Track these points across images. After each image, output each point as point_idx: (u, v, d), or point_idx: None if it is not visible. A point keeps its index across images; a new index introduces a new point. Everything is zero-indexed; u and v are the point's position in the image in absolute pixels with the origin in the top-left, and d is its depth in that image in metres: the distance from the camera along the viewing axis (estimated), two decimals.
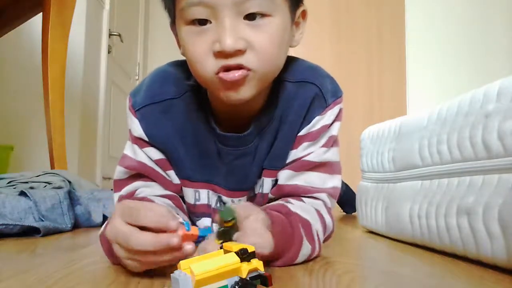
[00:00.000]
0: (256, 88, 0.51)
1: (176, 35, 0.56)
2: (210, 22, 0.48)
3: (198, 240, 0.40)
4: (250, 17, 0.48)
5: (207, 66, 0.49)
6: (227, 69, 0.48)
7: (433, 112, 0.68)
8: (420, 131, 0.70)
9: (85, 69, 2.14)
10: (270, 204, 0.56)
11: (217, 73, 0.49)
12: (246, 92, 0.51)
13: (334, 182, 0.61)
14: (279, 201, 0.57)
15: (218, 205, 0.50)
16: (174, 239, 0.38)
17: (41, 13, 1.41)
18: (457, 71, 2.02)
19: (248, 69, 0.49)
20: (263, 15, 0.48)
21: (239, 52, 0.47)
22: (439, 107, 0.67)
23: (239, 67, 0.48)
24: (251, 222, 0.43)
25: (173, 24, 0.56)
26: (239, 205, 0.47)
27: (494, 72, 1.92)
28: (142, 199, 0.54)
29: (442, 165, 0.63)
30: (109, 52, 2.53)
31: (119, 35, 2.67)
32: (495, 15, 1.99)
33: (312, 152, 0.59)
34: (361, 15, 2.20)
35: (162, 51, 3.57)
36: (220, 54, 0.47)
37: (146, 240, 0.39)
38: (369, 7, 2.20)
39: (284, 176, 0.59)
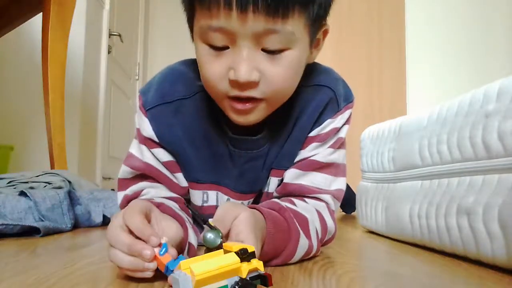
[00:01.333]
0: (265, 113, 0.52)
1: (191, 32, 0.55)
2: (228, 47, 0.47)
3: (167, 269, 0.38)
4: (268, 50, 0.47)
5: (220, 88, 0.49)
6: (238, 98, 0.49)
7: (433, 112, 0.68)
8: (420, 131, 0.70)
9: (85, 69, 2.14)
10: (263, 202, 0.56)
11: (228, 96, 0.50)
12: (254, 118, 0.52)
13: (339, 184, 0.60)
14: (274, 199, 0.57)
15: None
16: (147, 251, 0.38)
17: (41, 13, 1.41)
18: (457, 71, 2.02)
19: (260, 100, 0.49)
20: (282, 50, 0.48)
21: (253, 84, 0.47)
22: (439, 107, 0.67)
23: (250, 98, 0.49)
24: (236, 228, 0.43)
25: (189, 24, 0.55)
26: (225, 205, 0.46)
27: (494, 72, 1.91)
28: (161, 205, 0.53)
29: (442, 165, 0.63)
30: (109, 52, 2.52)
31: (119, 35, 2.67)
32: (495, 15, 1.99)
33: (319, 152, 0.59)
34: (361, 15, 2.20)
35: (162, 51, 3.57)
36: (234, 83, 0.47)
37: (122, 239, 0.40)
38: (369, 7, 2.20)
39: (290, 175, 0.59)
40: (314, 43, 0.54)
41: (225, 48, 0.47)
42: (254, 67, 0.47)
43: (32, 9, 1.47)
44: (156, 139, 0.57)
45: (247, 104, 0.50)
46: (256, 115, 0.52)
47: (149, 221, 0.44)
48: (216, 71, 0.49)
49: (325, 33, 0.56)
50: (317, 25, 0.52)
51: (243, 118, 0.52)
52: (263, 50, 0.47)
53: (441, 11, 2.08)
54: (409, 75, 2.11)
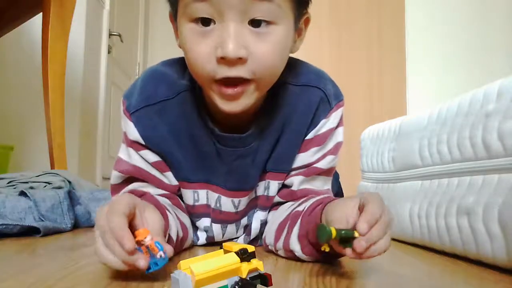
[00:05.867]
0: (253, 97, 0.52)
1: (175, 26, 0.55)
2: (214, 23, 0.47)
3: (153, 263, 0.37)
4: (255, 23, 0.47)
5: (207, 69, 0.49)
6: (227, 82, 0.48)
7: (433, 112, 0.68)
8: (420, 131, 0.70)
9: (85, 69, 2.14)
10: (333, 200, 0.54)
11: (216, 80, 0.49)
12: (243, 104, 0.51)
13: (329, 184, 0.63)
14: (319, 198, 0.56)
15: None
16: (141, 262, 0.36)
17: (41, 13, 1.41)
18: (457, 71, 2.01)
19: (248, 81, 0.49)
20: (268, 22, 0.48)
21: (240, 61, 0.47)
22: (439, 107, 0.67)
23: (238, 79, 0.48)
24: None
25: (173, 15, 0.55)
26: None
27: (494, 72, 1.91)
28: (145, 194, 0.53)
29: (442, 165, 0.63)
30: (109, 52, 2.52)
31: (119, 35, 2.66)
32: (495, 15, 1.99)
33: (322, 159, 0.60)
34: (361, 15, 2.20)
35: (162, 51, 3.56)
36: (222, 61, 0.47)
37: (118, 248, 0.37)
38: (369, 7, 2.20)
39: (298, 182, 0.60)
40: (297, 30, 0.55)
41: (211, 22, 0.47)
42: (242, 44, 0.47)
43: (32, 9, 1.47)
44: (142, 142, 0.58)
45: (236, 88, 0.49)
46: (245, 100, 0.51)
47: (134, 214, 0.42)
48: (203, 51, 0.48)
49: (307, 22, 0.57)
50: (301, 9, 0.53)
51: (231, 105, 0.51)
52: (250, 24, 0.47)
53: (441, 11, 2.08)
54: (409, 75, 2.11)
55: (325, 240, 0.38)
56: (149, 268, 0.38)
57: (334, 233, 0.38)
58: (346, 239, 0.38)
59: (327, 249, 0.40)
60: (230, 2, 0.45)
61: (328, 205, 0.49)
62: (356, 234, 0.38)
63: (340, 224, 0.42)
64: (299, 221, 0.53)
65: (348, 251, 0.39)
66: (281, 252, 0.56)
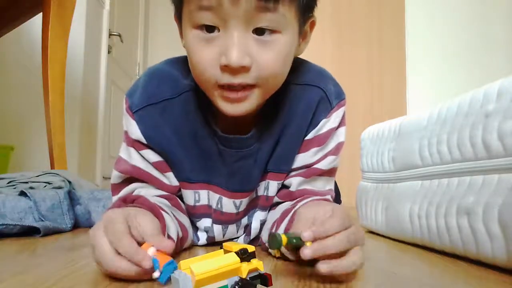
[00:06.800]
0: (256, 101, 0.52)
1: (179, 27, 0.55)
2: (218, 30, 0.47)
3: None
4: (259, 31, 0.47)
5: (210, 75, 0.49)
6: (230, 87, 0.48)
7: (433, 112, 0.68)
8: (420, 131, 0.70)
9: (85, 69, 2.14)
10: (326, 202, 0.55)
11: (220, 86, 0.49)
12: (246, 107, 0.51)
13: (331, 185, 0.63)
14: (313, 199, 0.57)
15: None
16: (146, 263, 0.37)
17: (41, 13, 1.41)
18: (457, 71, 2.02)
19: (251, 87, 0.49)
20: (272, 31, 0.48)
21: (244, 69, 0.47)
22: (439, 107, 0.67)
23: (242, 86, 0.48)
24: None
25: (177, 17, 0.55)
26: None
27: (494, 72, 1.92)
28: (139, 198, 0.53)
29: (442, 165, 0.63)
30: (109, 52, 2.52)
31: (119, 35, 2.67)
32: (495, 15, 1.99)
33: (322, 160, 0.60)
34: (361, 15, 2.20)
35: (162, 51, 3.56)
36: (226, 69, 0.47)
37: (120, 267, 0.39)
38: (369, 7, 2.20)
39: (296, 183, 0.60)
40: (302, 34, 0.55)
41: (216, 29, 0.47)
42: (246, 52, 0.47)
43: (32, 9, 1.47)
44: (144, 141, 0.57)
45: (239, 93, 0.49)
46: (248, 104, 0.51)
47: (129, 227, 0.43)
48: (207, 58, 0.48)
49: (312, 25, 0.57)
50: (305, 15, 0.52)
51: (234, 108, 0.50)
52: (254, 32, 0.47)
53: (441, 11, 2.08)
54: (409, 75, 2.11)
55: (276, 247, 0.38)
56: (159, 277, 0.37)
57: (285, 240, 0.38)
58: (297, 246, 0.39)
59: (277, 254, 0.43)
60: (234, 12, 0.45)
61: (303, 204, 0.51)
62: (308, 244, 0.38)
63: (306, 223, 0.44)
64: (287, 218, 0.53)
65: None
66: (270, 250, 0.57)
